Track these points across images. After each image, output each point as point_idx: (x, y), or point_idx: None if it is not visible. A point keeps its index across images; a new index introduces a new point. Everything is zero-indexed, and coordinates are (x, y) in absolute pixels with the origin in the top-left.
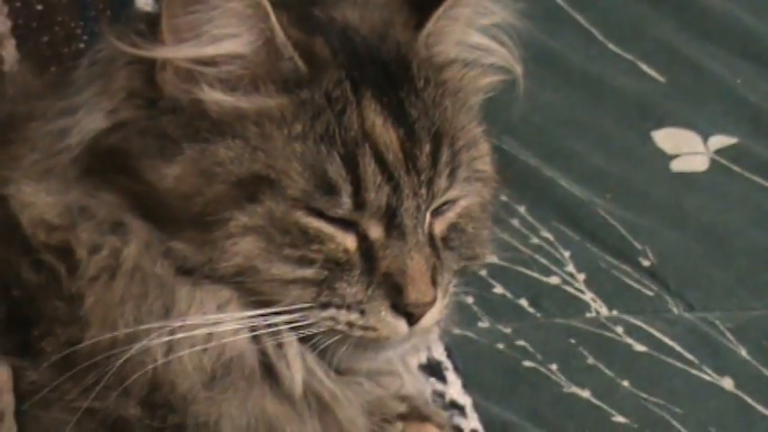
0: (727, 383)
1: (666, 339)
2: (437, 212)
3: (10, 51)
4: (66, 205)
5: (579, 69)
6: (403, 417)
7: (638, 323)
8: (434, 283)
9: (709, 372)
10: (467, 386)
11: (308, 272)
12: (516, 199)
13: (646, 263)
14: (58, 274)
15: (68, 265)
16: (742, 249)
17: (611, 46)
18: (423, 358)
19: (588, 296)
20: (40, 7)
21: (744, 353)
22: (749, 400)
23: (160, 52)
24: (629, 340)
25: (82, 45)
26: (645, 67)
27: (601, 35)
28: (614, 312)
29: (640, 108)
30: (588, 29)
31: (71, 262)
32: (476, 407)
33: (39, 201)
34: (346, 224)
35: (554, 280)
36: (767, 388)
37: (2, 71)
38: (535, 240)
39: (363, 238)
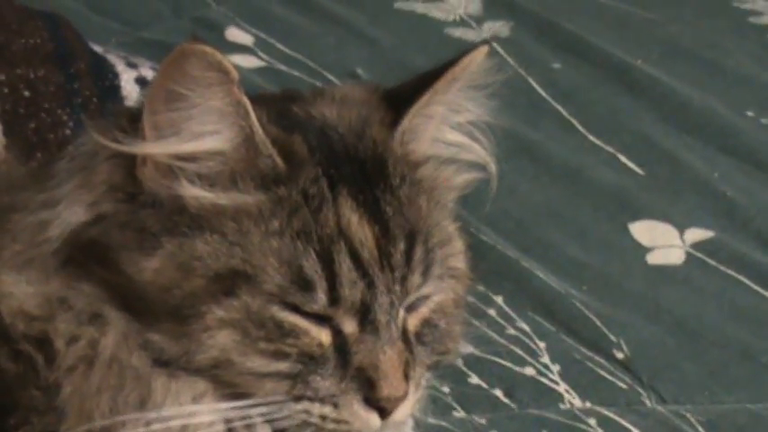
0: None
1: None
2: (411, 308)
3: None
4: (46, 296)
5: (559, 160)
6: None
7: (611, 415)
8: (407, 377)
9: None
10: None
11: (283, 365)
12: (494, 289)
13: (620, 355)
14: (35, 363)
15: (46, 356)
16: (715, 343)
17: (591, 137)
18: None
19: (562, 387)
20: (27, 93)
21: None
22: None
23: (141, 148)
24: None
25: (68, 132)
26: (624, 159)
27: (581, 126)
28: (588, 404)
29: (618, 200)
30: (569, 120)
31: (49, 352)
32: None
33: (19, 291)
34: (321, 319)
35: (529, 371)
36: None
37: None
38: (511, 331)
39: (337, 333)
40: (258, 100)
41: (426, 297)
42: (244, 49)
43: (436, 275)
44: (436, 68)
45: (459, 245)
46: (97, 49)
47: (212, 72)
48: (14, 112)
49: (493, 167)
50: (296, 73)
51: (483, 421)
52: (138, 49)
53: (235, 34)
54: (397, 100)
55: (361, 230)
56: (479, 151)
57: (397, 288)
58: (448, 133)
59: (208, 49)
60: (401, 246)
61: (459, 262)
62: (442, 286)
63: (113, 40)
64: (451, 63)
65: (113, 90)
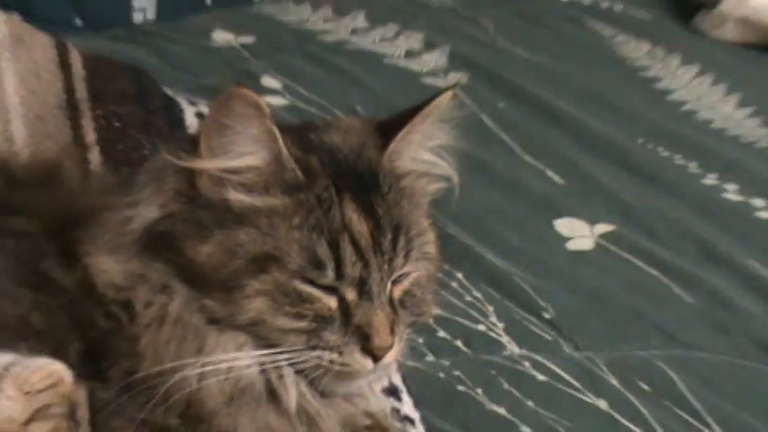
0: (603, 404)
1: (560, 371)
2: (395, 282)
3: (95, 156)
4: (130, 272)
5: (503, 174)
6: (369, 428)
7: (541, 359)
8: (393, 332)
9: (590, 396)
10: (417, 404)
11: (302, 324)
12: (455, 267)
13: (547, 316)
14: (121, 321)
15: (129, 316)
16: (616, 308)
17: (526, 157)
18: (385, 383)
19: (505, 339)
20: (117, 124)
21: (615, 382)
22: (618, 417)
23: (199, 164)
24: (534, 372)
25: (146, 152)
26: (550, 173)
27: (519, 149)
28: (524, 351)
29: (545, 203)
30: (510, 145)
31: (131, 313)
32: (422, 420)
33: (110, 268)
34: (330, 290)
35: (481, 327)
36: (631, 409)
37: (90, 171)
38: (468, 298)
39: (342, 300)
40: (284, 129)
41: (407, 274)
42: (275, 92)
43: (415, 258)
44: (415, 106)
45: (431, 235)
46: (168, 91)
47: (251, 108)
48: (108, 138)
49: (455, 179)
50: (313, 110)
51: (447, 364)
52: (198, 92)
53: (268, 81)
54: (387, 129)
55: (359, 225)
56: (446, 167)
57: (386, 267)
58: (423, 154)
59: (248, 91)
60: (389, 236)
61: (432, 248)
62: (419, 266)
63: (180, 85)
64: (426, 102)
65: (179, 122)
